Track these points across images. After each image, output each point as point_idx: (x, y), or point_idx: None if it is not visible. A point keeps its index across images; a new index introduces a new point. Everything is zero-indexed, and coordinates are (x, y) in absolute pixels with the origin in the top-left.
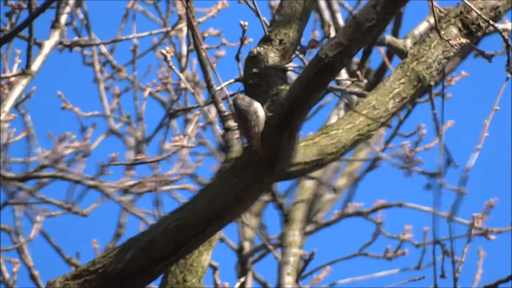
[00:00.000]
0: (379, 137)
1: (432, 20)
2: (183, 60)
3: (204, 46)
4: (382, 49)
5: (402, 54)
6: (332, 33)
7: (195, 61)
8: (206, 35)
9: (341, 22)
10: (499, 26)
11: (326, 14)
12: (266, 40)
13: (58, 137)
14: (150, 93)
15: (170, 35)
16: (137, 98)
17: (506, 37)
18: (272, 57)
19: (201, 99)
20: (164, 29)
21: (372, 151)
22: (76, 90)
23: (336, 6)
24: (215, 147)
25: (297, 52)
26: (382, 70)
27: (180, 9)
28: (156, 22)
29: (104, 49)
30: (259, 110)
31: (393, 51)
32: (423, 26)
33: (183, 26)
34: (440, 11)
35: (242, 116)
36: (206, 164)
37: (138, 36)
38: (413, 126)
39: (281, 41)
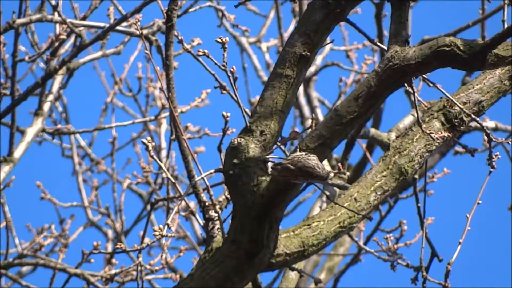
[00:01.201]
0: (359, 232)
1: (415, 114)
2: (163, 152)
3: (186, 136)
4: (364, 144)
5: (386, 146)
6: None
7: (174, 154)
8: (189, 125)
9: (321, 118)
10: (482, 122)
11: (306, 110)
12: (247, 131)
13: (36, 229)
14: (128, 186)
15: (149, 128)
16: (115, 190)
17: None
18: (253, 148)
19: (181, 189)
20: (146, 118)
21: (355, 245)
22: (54, 181)
23: (316, 102)
24: (197, 238)
25: (278, 143)
26: (362, 165)
27: (161, 100)
28: (135, 117)
29: (82, 142)
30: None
31: (377, 144)
32: (408, 120)
33: (163, 118)
34: (424, 105)
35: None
36: (188, 256)
37: (120, 125)
38: (395, 222)
39: (262, 132)
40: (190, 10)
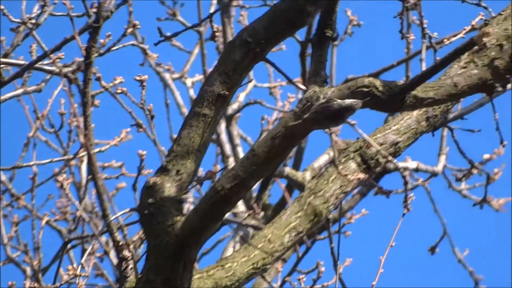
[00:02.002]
0: (276, 273)
1: (332, 153)
2: (83, 189)
3: (103, 175)
4: (283, 183)
5: (302, 187)
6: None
7: (94, 191)
8: (106, 165)
9: (242, 156)
10: (400, 164)
11: (228, 148)
12: (163, 170)
13: None
14: (47, 222)
15: (71, 164)
16: (35, 227)
17: (406, 173)
18: (169, 187)
19: (98, 228)
20: (65, 157)
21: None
22: None
23: (237, 140)
24: (115, 275)
25: (194, 183)
26: (282, 204)
27: (81, 138)
28: (58, 151)
29: (3, 176)
30: None
31: (292, 184)
32: (323, 159)
33: (84, 155)
34: (341, 145)
35: None
36: None
37: (39, 164)
38: (313, 263)
39: (178, 171)
40: (113, 48)
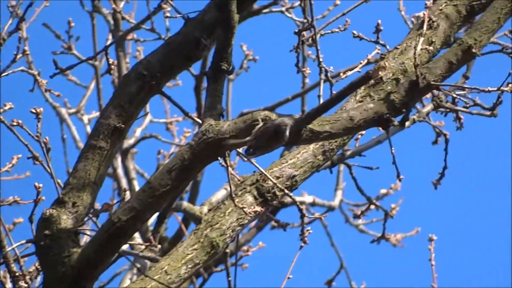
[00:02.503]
0: None
1: (229, 187)
2: None
3: None
4: (180, 216)
5: (199, 221)
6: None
7: None
8: (10, 198)
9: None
10: (296, 198)
11: (124, 182)
12: (59, 203)
13: None
14: None
15: None
16: None
17: (303, 207)
18: (65, 219)
19: None
20: None
21: None
22: None
23: (133, 174)
24: None
25: (90, 215)
26: (179, 237)
27: None
28: None
29: None
30: None
31: (190, 217)
32: (220, 194)
33: None
34: (238, 179)
35: None
36: None
37: None
38: None
39: (74, 203)
40: (3, 75)
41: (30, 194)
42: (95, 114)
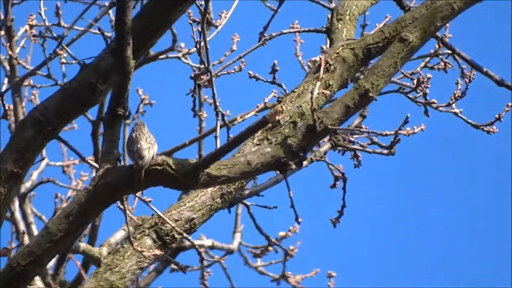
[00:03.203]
0: None
1: (127, 229)
2: None
3: None
4: (79, 262)
5: (98, 262)
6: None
7: None
8: None
9: (36, 233)
10: (195, 241)
11: (22, 225)
12: None
13: None
14: None
15: None
16: None
17: (202, 250)
18: None
19: None
20: None
21: None
22: None
23: (31, 218)
24: None
25: None
26: (79, 281)
27: None
28: None
29: None
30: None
31: (89, 259)
32: (119, 235)
33: None
34: (136, 221)
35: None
36: None
37: None
38: None
39: None
40: None
41: None
42: None
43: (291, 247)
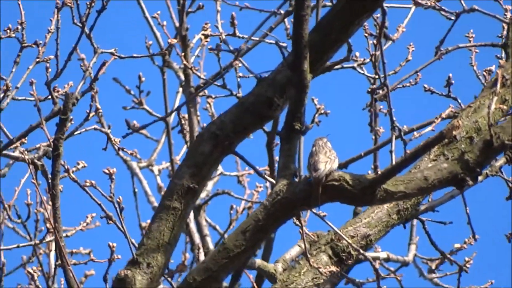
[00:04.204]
0: None
1: (303, 245)
2: (51, 279)
3: (72, 261)
4: (252, 275)
5: (273, 278)
6: (202, 257)
7: (62, 280)
8: (74, 251)
9: (211, 246)
10: (370, 254)
11: (196, 237)
12: (133, 263)
13: None
14: None
15: (38, 254)
16: None
17: (377, 265)
18: (140, 280)
19: None
20: (31, 242)
21: None
22: None
23: (206, 230)
24: None
25: (165, 276)
26: None
27: (48, 227)
28: (25, 238)
29: None
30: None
31: (264, 275)
32: (294, 251)
33: (51, 240)
34: (312, 237)
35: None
36: None
37: (5, 249)
38: None
39: (148, 264)
40: (76, 133)
41: (99, 244)
42: (165, 164)
43: (466, 258)
